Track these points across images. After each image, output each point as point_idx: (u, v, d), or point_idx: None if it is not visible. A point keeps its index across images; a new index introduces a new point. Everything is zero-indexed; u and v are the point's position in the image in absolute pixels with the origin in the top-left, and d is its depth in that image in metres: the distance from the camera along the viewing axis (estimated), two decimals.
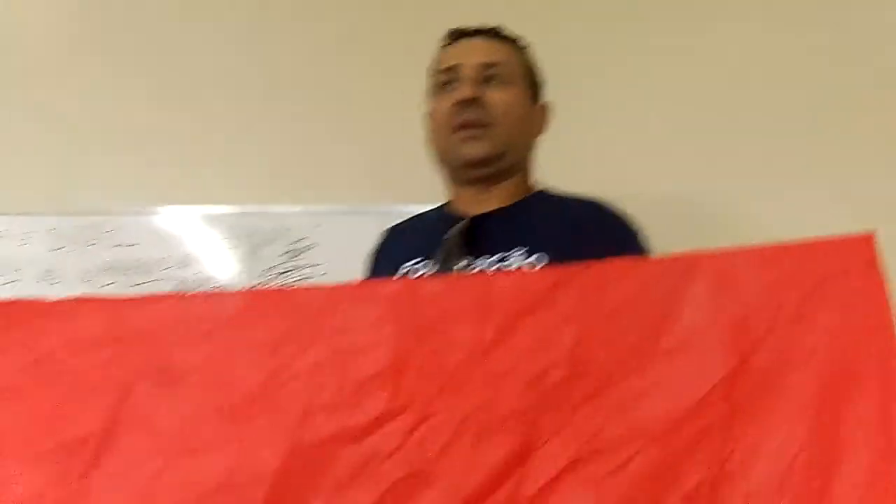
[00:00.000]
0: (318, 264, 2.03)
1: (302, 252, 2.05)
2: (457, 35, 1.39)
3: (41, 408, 0.88)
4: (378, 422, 0.79)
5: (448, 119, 1.31)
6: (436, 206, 1.43)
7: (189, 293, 0.93)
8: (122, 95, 2.29)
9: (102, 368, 0.88)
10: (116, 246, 2.13)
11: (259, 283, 2.02)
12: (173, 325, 0.90)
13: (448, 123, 1.31)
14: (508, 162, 1.33)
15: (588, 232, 1.25)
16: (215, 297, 0.92)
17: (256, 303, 0.89)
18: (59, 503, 0.83)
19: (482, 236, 1.27)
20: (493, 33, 1.38)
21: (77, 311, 0.93)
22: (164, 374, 0.87)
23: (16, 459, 0.85)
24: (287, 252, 2.05)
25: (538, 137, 1.40)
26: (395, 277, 1.24)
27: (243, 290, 0.90)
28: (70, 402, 0.87)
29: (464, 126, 1.29)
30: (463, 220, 1.31)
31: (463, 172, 1.34)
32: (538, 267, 1.16)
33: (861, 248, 0.82)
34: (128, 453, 0.84)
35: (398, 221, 1.46)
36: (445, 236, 1.28)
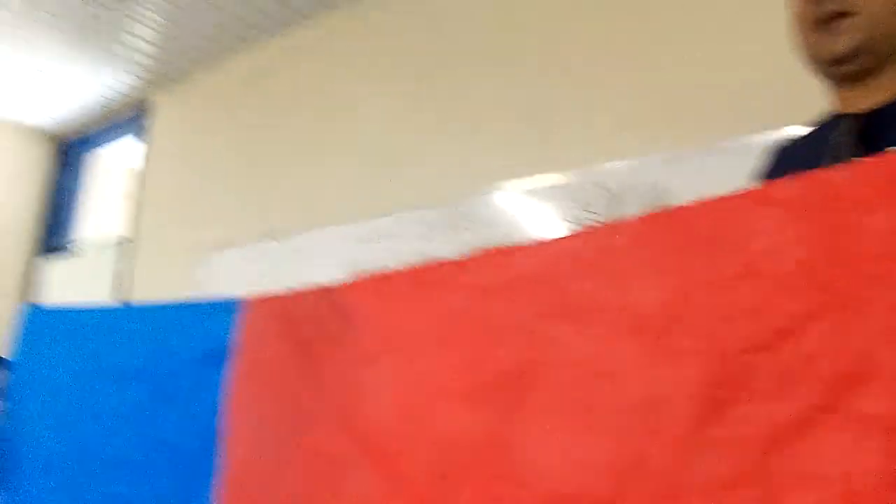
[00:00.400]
0: None
1: (661, 201, 1.99)
2: None
3: (460, 352, 0.93)
4: (800, 322, 0.71)
5: (807, 16, 1.21)
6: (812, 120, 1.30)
7: (573, 231, 0.92)
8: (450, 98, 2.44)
9: (508, 313, 0.92)
10: (481, 225, 2.27)
11: None
12: (567, 262, 0.91)
13: (808, 21, 1.21)
14: (882, 50, 1.17)
15: None
16: (601, 230, 0.91)
17: (645, 226, 0.86)
18: (491, 437, 0.87)
19: (875, 134, 1.14)
20: None
21: (476, 264, 0.99)
22: (567, 308, 0.88)
23: (444, 399, 0.92)
24: (644, 205, 2.02)
25: None
26: None
27: (629, 218, 0.87)
28: (484, 346, 0.92)
29: (824, 20, 1.18)
30: (849, 121, 1.18)
31: (834, 71, 1.21)
32: None
33: None
34: (547, 387, 0.85)
35: (780, 142, 1.35)
36: (835, 141, 1.17)
